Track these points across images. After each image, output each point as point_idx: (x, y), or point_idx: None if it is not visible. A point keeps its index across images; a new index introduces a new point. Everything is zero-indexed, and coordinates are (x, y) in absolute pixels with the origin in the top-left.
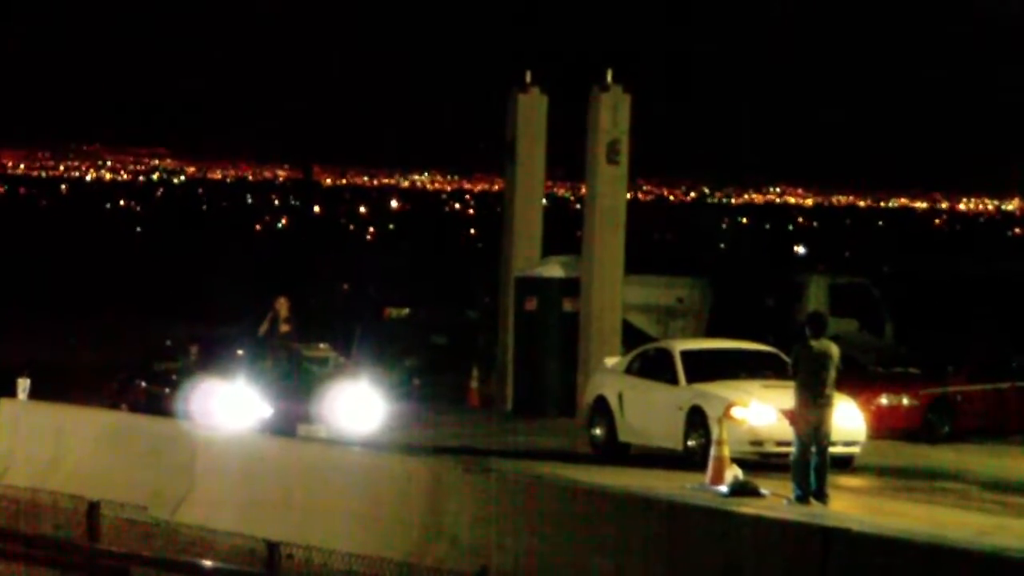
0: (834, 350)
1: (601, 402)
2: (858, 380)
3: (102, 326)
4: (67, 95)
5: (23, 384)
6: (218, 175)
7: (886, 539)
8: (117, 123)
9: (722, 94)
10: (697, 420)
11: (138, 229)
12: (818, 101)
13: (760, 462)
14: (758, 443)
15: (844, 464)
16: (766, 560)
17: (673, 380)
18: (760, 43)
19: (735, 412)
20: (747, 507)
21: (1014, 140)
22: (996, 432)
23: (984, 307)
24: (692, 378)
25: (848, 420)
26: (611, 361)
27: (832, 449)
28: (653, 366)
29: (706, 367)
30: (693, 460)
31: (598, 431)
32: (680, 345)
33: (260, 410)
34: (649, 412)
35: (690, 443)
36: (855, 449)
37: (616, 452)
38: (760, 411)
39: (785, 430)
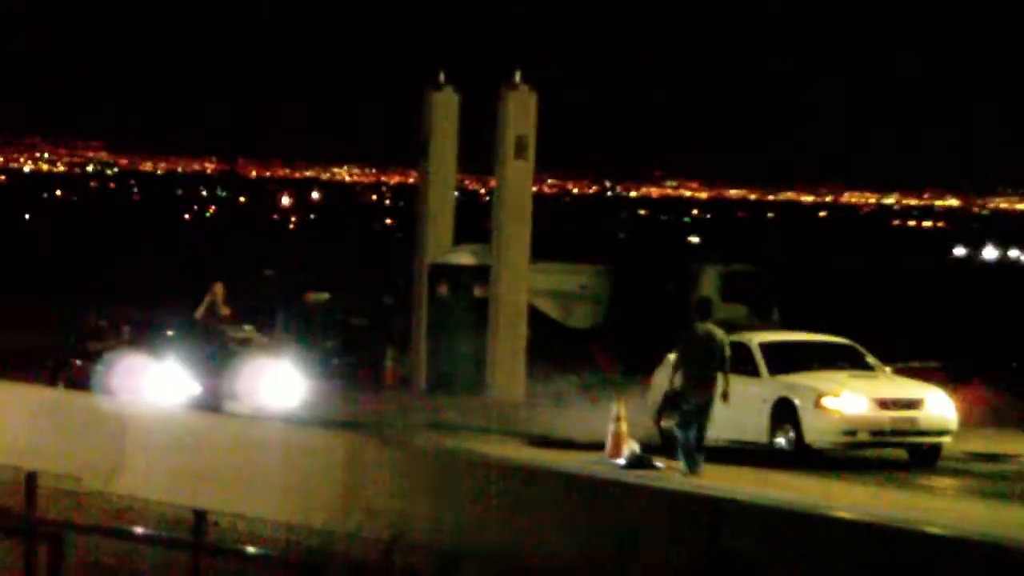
0: (719, 334)
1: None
2: None
3: (39, 309)
4: (6, 87)
5: None
6: (149, 167)
7: (769, 508)
8: (54, 117)
9: (623, 91)
10: (784, 412)
11: (27, 219)
12: (715, 97)
13: (848, 453)
14: (851, 432)
15: (934, 454)
16: (659, 525)
17: (754, 372)
18: (659, 43)
19: (826, 402)
20: (641, 479)
21: (897, 137)
22: None
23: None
24: (774, 370)
25: (941, 409)
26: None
27: (923, 439)
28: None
29: (785, 359)
30: (781, 453)
31: (669, 425)
32: (758, 337)
33: (189, 387)
34: (729, 406)
35: (778, 435)
36: (946, 439)
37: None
38: (852, 401)
39: (877, 420)
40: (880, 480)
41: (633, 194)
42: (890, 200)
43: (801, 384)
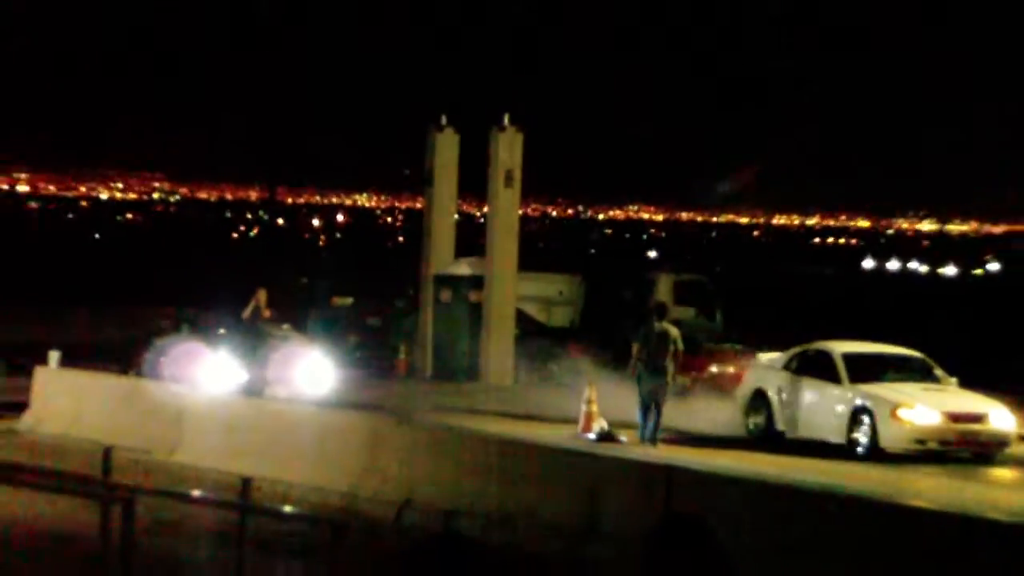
0: (673, 331)
1: (760, 394)
2: (692, 353)
3: (116, 311)
4: (84, 125)
5: (54, 356)
6: (204, 195)
7: (719, 476)
8: (126, 153)
9: (592, 126)
10: (862, 418)
11: (92, 236)
12: (676, 131)
13: (917, 456)
14: (922, 442)
15: (988, 459)
16: (622, 489)
17: (835, 380)
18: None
19: (901, 413)
20: (608, 450)
21: (897, 137)
22: None
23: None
24: (854, 379)
25: (1003, 423)
26: (765, 357)
27: (985, 449)
28: (813, 365)
29: (865, 369)
30: (856, 453)
31: (756, 420)
32: (840, 347)
33: (237, 376)
34: (812, 407)
35: (854, 436)
36: (1006, 449)
37: (772, 439)
38: (924, 413)
39: (945, 431)
40: (947, 471)
41: (601, 216)
42: (812, 221)
43: (879, 394)
